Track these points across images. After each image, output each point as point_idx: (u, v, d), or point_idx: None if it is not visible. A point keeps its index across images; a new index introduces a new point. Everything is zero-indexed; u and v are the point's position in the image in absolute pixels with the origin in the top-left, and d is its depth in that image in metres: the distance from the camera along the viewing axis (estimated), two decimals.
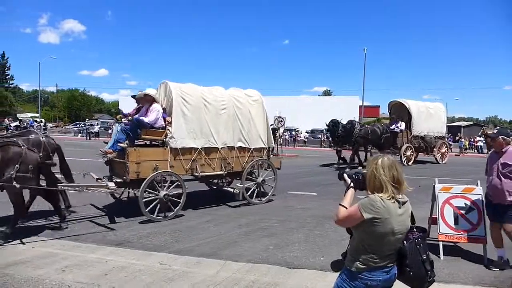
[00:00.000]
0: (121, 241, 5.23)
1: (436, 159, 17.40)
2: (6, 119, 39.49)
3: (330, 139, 16.53)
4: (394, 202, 2.19)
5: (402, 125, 16.30)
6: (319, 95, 74.55)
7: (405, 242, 2.25)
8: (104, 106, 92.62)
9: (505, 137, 4.40)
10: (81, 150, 21.03)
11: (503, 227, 4.39)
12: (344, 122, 15.21)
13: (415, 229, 2.33)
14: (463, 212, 4.91)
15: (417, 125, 16.60)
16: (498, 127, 4.33)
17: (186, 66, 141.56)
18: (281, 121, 20.23)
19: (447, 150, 18.24)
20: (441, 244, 4.87)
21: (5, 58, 64.69)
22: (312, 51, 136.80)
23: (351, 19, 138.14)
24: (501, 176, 4.35)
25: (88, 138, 35.04)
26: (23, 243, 4.96)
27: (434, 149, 17.31)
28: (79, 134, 39.87)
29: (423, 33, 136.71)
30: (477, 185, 5.08)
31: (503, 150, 4.37)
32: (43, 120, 46.62)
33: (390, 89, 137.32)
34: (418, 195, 7.81)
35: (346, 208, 2.25)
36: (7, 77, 64.68)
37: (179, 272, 4.20)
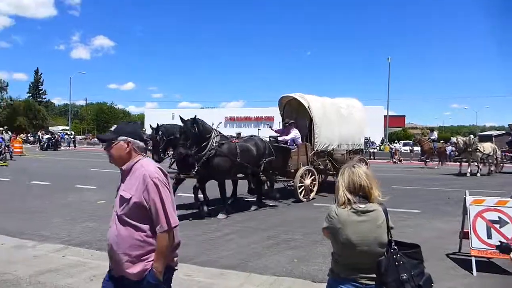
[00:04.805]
0: None
1: None
2: (39, 132, 41.68)
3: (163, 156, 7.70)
4: (349, 210, 2.09)
5: (296, 135, 9.91)
6: None
7: (383, 257, 2.08)
8: (130, 118, 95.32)
9: (129, 140, 2.18)
10: None
11: None
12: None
13: (393, 244, 2.12)
14: (496, 226, 4.71)
15: (322, 135, 10.12)
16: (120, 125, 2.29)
17: (212, 77, 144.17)
18: None
19: (368, 168, 12.06)
20: (473, 259, 4.67)
21: (39, 74, 67.92)
22: (335, 62, 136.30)
23: (375, 27, 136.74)
24: (117, 222, 2.15)
25: None
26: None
27: None
28: None
29: (448, 38, 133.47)
30: (511, 197, 4.88)
31: (124, 168, 2.22)
32: (73, 132, 48.49)
33: (416, 98, 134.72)
34: (446, 208, 7.56)
35: None
36: (40, 92, 67.75)
37: (204, 283, 4.21)
